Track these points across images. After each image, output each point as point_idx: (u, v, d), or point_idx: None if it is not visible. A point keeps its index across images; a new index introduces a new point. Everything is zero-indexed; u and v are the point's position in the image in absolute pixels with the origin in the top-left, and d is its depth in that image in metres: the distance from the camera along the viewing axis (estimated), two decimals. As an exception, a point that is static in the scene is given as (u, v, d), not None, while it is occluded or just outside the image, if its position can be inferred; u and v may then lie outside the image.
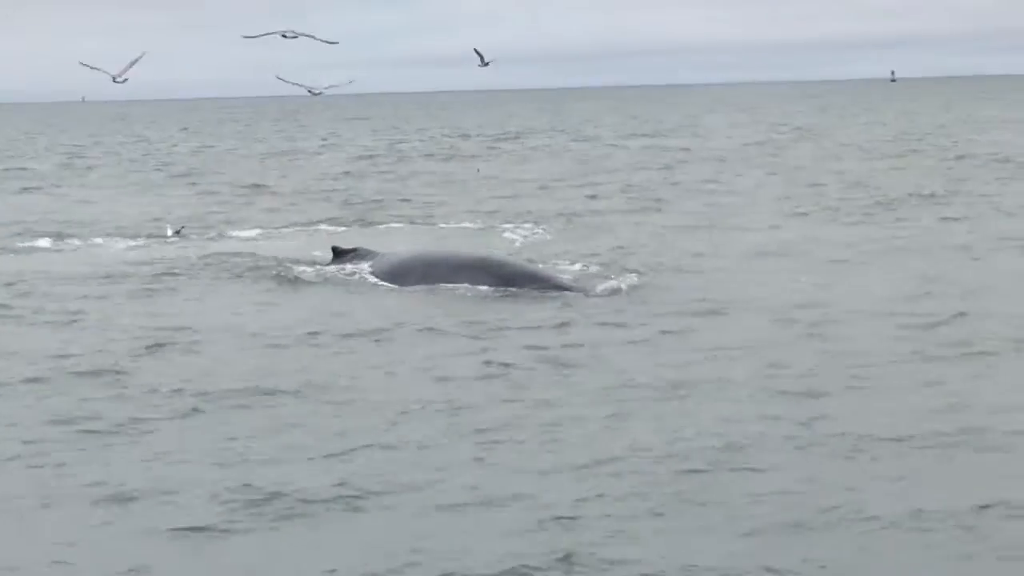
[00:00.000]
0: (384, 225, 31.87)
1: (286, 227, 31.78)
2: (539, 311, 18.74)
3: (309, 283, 22.04)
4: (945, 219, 30.18)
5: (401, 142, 78.14)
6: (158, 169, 57.17)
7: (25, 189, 46.55)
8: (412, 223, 32.35)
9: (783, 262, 23.85)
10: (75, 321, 18.80)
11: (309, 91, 28.56)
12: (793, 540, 9.63)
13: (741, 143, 66.45)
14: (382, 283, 21.37)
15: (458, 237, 28.78)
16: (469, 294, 20.18)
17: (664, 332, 17.16)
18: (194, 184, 47.22)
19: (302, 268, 23.25)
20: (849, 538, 9.66)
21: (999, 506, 10.21)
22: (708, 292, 20.07)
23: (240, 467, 11.53)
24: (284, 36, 23.90)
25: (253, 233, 30.53)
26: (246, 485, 10.94)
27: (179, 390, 14.32)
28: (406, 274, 21.44)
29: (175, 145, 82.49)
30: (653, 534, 9.77)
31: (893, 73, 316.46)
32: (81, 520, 10.41)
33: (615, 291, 20.35)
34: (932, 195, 35.85)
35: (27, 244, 28.51)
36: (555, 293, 20.03)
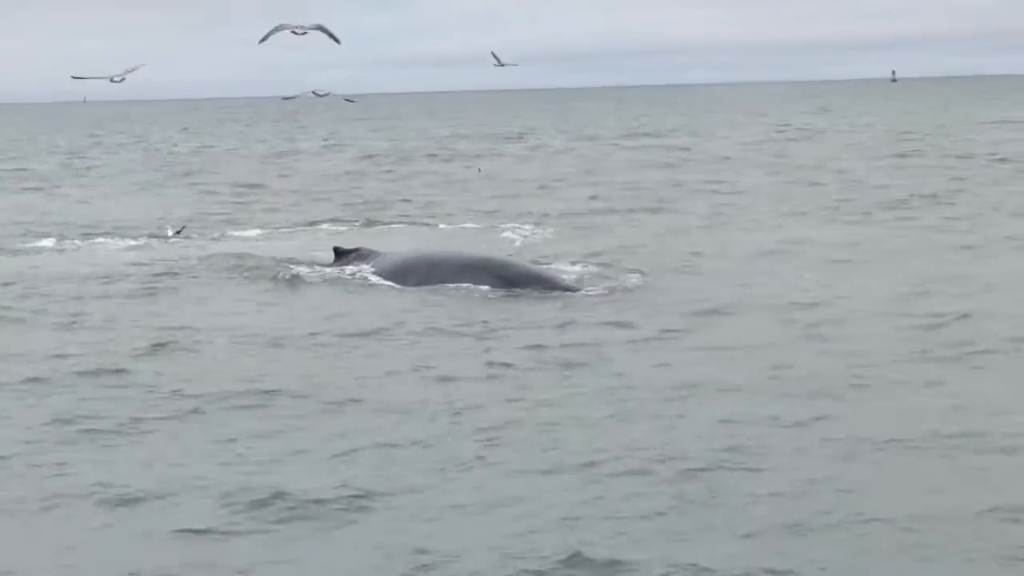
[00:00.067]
0: (385, 225, 31.86)
1: (287, 227, 31.78)
2: (541, 311, 18.73)
3: (310, 283, 22.03)
4: (946, 219, 30.16)
5: (402, 142, 78.10)
6: (159, 169, 57.18)
7: (26, 189, 46.58)
8: (413, 223, 32.34)
9: (784, 262, 23.84)
10: (76, 322, 18.79)
11: (314, 92, 28.58)
12: (794, 541, 9.61)
13: (742, 143, 66.44)
14: (383, 283, 21.36)
15: (459, 237, 28.75)
16: (471, 295, 20.17)
17: (666, 332, 17.14)
18: (195, 184, 47.22)
19: (303, 268, 23.23)
20: (850, 540, 9.64)
21: (1000, 509, 10.18)
22: (709, 292, 20.06)
23: (241, 468, 11.52)
24: (295, 33, 23.83)
25: (254, 233, 30.54)
26: (247, 486, 10.93)
27: (181, 391, 14.32)
28: (408, 274, 21.42)
29: (176, 145, 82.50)
30: (654, 535, 9.76)
31: (894, 73, 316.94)
32: (82, 521, 10.40)
33: (617, 291, 20.33)
34: (933, 195, 35.83)
35: (28, 244, 28.51)
36: (557, 294, 20.02)
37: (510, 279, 20.55)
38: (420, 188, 43.42)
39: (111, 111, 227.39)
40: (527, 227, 29.94)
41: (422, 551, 9.51)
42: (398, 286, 21.07)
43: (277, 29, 24.03)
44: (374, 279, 21.68)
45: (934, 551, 9.44)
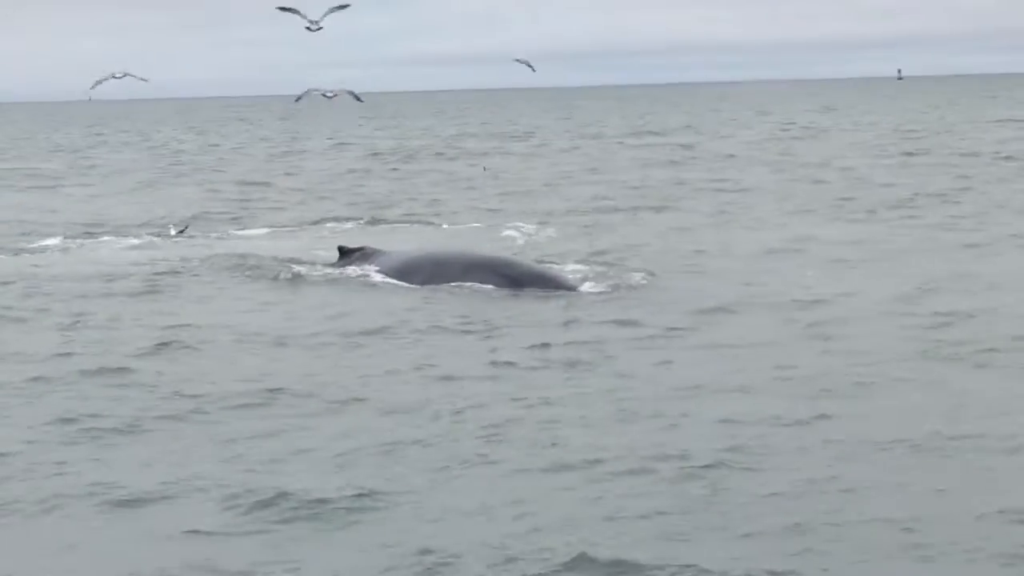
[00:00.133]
0: (390, 224, 31.82)
1: (292, 226, 31.75)
2: (545, 311, 18.70)
3: (314, 282, 22.00)
4: (951, 217, 30.12)
5: (406, 141, 78.09)
6: (163, 168, 57.16)
7: (30, 188, 46.57)
8: (418, 222, 32.31)
9: (789, 261, 23.80)
10: (78, 321, 18.75)
11: (323, 94, 28.54)
12: (796, 542, 9.57)
13: (747, 141, 66.42)
14: (388, 283, 21.32)
15: (464, 236, 28.72)
16: (475, 294, 20.14)
17: (670, 331, 17.10)
18: (200, 183, 47.19)
19: (308, 267, 23.21)
20: (852, 540, 9.59)
21: (1003, 509, 10.14)
22: (714, 291, 20.03)
23: (243, 468, 11.49)
24: (308, 28, 23.83)
25: (258, 232, 30.53)
26: (249, 486, 10.90)
27: (183, 390, 14.29)
28: (413, 274, 21.39)
29: (181, 144, 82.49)
30: (657, 535, 9.73)
31: (900, 71, 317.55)
32: (83, 521, 10.38)
33: (621, 290, 20.31)
34: (938, 193, 35.79)
35: (31, 244, 28.48)
36: (561, 293, 19.99)
37: (515, 278, 20.52)
38: (425, 187, 43.39)
39: (116, 110, 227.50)
40: (532, 226, 29.90)
41: (425, 551, 9.48)
42: (403, 285, 21.03)
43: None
44: (379, 278, 21.65)
45: (936, 552, 9.41)
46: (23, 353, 16.49)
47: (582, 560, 9.21)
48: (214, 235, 29.89)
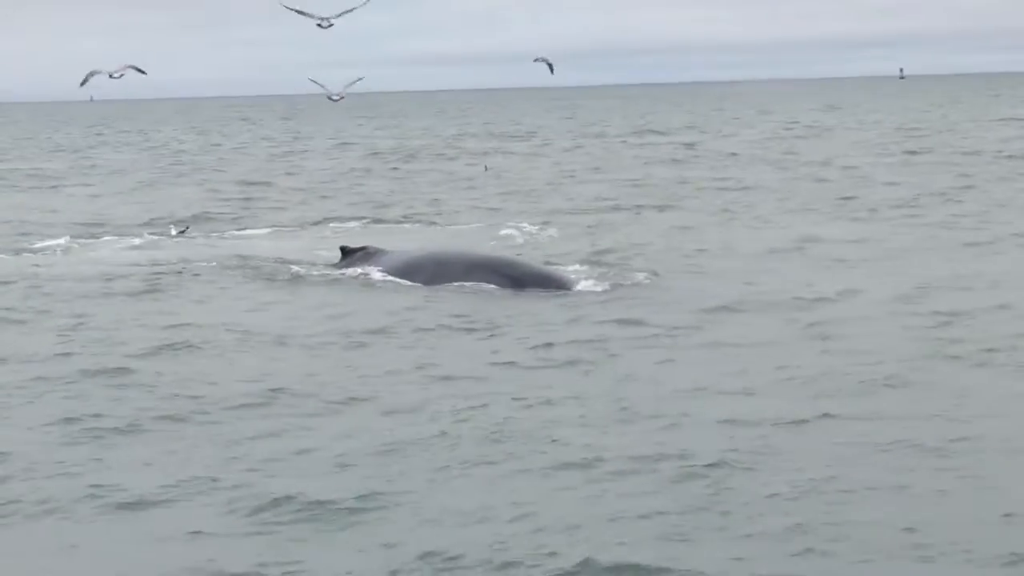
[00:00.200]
0: (392, 224, 31.79)
1: (293, 226, 31.72)
2: (547, 311, 18.66)
3: (316, 282, 21.97)
4: (954, 216, 30.08)
5: (408, 140, 78.09)
6: (164, 168, 57.15)
7: (31, 188, 46.55)
8: (420, 222, 32.28)
9: (792, 260, 23.77)
10: (79, 321, 18.71)
11: (329, 97, 28.50)
12: (797, 542, 9.54)
13: (749, 140, 66.42)
14: (390, 283, 21.28)
15: (466, 236, 28.70)
16: (478, 294, 20.10)
17: (672, 331, 17.07)
18: (201, 183, 47.16)
19: (309, 267, 23.19)
20: (853, 541, 9.56)
21: (1003, 511, 10.12)
22: (716, 290, 19.99)
23: (244, 469, 11.46)
24: (320, 26, 23.81)
25: (260, 232, 30.51)
26: (250, 487, 10.88)
27: (184, 390, 14.27)
28: (415, 273, 21.36)
29: (182, 144, 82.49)
30: (658, 536, 9.70)
31: (902, 70, 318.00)
32: (84, 522, 10.35)
33: (624, 289, 20.28)
34: (941, 192, 35.76)
35: (32, 244, 28.44)
36: (563, 293, 19.97)
37: (517, 278, 20.49)
38: (426, 186, 43.37)
39: (115, 110, 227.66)
40: (534, 225, 29.88)
41: (426, 551, 9.46)
42: (405, 285, 20.99)
43: (304, 13, 24.50)
44: (381, 278, 21.62)
45: (937, 552, 9.37)
46: (24, 353, 16.46)
47: (583, 561, 9.18)
48: (215, 235, 29.86)
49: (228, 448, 12.11)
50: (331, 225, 31.51)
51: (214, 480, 11.11)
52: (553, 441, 12.04)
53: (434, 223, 31.90)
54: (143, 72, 24.33)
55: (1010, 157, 48.14)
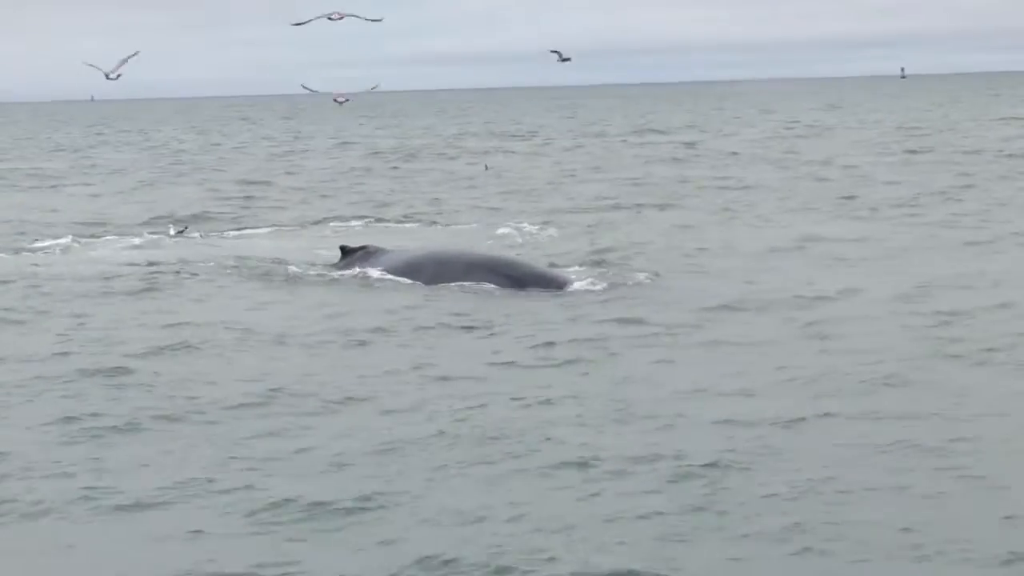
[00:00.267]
0: (392, 223, 31.76)
1: (293, 225, 31.68)
2: (547, 310, 18.64)
3: (316, 282, 21.94)
4: (955, 215, 30.06)
5: (408, 140, 78.07)
6: (164, 167, 57.12)
7: (31, 188, 46.52)
8: (420, 221, 32.25)
9: (793, 259, 23.75)
10: (78, 321, 18.68)
11: (334, 100, 28.47)
12: (795, 543, 9.51)
13: (750, 139, 66.42)
14: (390, 282, 21.24)
15: (466, 235, 28.67)
16: (478, 294, 20.07)
17: (672, 331, 17.04)
18: (201, 183, 47.13)
19: (309, 267, 23.15)
20: (851, 542, 9.53)
21: (1002, 511, 10.09)
22: (717, 289, 19.97)
23: (243, 469, 11.43)
24: (330, 19, 23.79)
25: (260, 231, 30.48)
26: (248, 487, 10.86)
27: (182, 391, 14.25)
28: (415, 273, 21.33)
29: (182, 143, 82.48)
30: (654, 536, 9.66)
31: (903, 70, 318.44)
32: (81, 523, 10.33)
33: (624, 289, 20.26)
34: (942, 191, 35.73)
35: (32, 243, 28.41)
36: (564, 292, 19.95)
37: (517, 278, 20.46)
38: (427, 186, 43.35)
39: (115, 110, 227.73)
40: (535, 224, 29.84)
41: (423, 552, 9.46)
42: (404, 285, 20.96)
43: (315, 18, 24.27)
44: (381, 277, 21.58)
45: (935, 552, 9.35)
46: (22, 353, 16.43)
47: (581, 561, 9.16)
48: (215, 234, 29.83)
49: (226, 448, 12.08)
50: (331, 224, 31.46)
51: (212, 480, 11.09)
52: (551, 441, 12.01)
53: (434, 222, 31.86)
54: (134, 55, 24.22)
55: (1011, 156, 48.14)
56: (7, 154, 71.98)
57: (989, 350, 15.46)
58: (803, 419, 12.52)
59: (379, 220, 32.36)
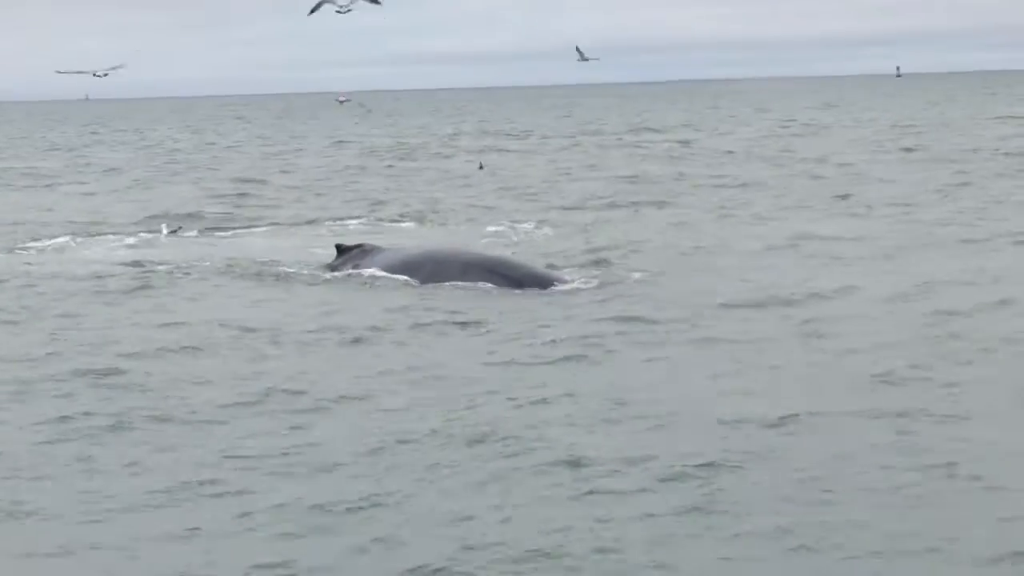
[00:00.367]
0: (387, 222, 31.73)
1: (288, 224, 31.65)
2: (543, 309, 18.62)
3: (311, 281, 21.92)
4: (951, 213, 30.04)
5: (403, 139, 78.06)
6: (159, 166, 57.09)
7: (26, 187, 46.48)
8: (416, 220, 32.22)
9: (788, 257, 23.73)
10: (71, 320, 18.64)
11: (339, 102, 28.53)
12: (788, 542, 9.49)
13: (746, 138, 66.44)
14: (385, 281, 21.21)
15: (462, 233, 28.66)
16: (473, 293, 20.04)
17: (668, 330, 17.01)
18: (195, 181, 47.10)
19: (304, 266, 23.12)
20: (845, 542, 9.50)
21: (998, 511, 10.06)
22: (713, 287, 19.96)
23: (236, 468, 11.41)
24: (338, 12, 23.81)
25: (254, 230, 30.44)
26: (243, 487, 10.85)
27: (177, 390, 14.23)
28: (410, 271, 21.31)
29: (177, 142, 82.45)
30: (647, 537, 9.64)
31: (898, 68, 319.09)
32: (74, 524, 10.29)
33: (620, 287, 20.25)
34: (937, 189, 35.74)
35: (26, 242, 28.39)
36: (559, 291, 19.94)
37: (513, 277, 20.45)
38: (422, 184, 43.33)
39: (111, 109, 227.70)
40: (530, 223, 29.83)
41: (417, 551, 9.44)
42: (400, 284, 20.93)
43: (322, 4, 24.23)
44: (376, 276, 21.55)
45: (931, 552, 9.31)
46: (15, 353, 16.39)
47: (578, 561, 9.11)
48: (209, 233, 29.79)
49: (220, 447, 12.05)
50: (326, 223, 31.43)
51: (205, 480, 11.06)
52: (545, 440, 11.97)
53: (430, 221, 31.84)
54: (121, 67, 24.30)
55: (1007, 154, 48.15)
56: (2, 153, 71.97)
57: (985, 349, 15.45)
58: (797, 417, 12.49)
59: (374, 219, 32.33)
